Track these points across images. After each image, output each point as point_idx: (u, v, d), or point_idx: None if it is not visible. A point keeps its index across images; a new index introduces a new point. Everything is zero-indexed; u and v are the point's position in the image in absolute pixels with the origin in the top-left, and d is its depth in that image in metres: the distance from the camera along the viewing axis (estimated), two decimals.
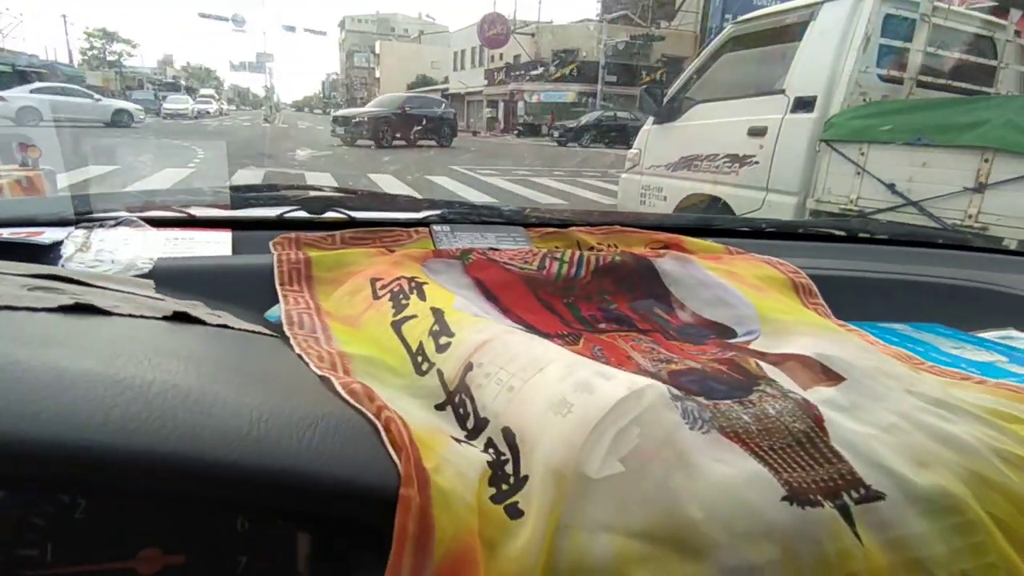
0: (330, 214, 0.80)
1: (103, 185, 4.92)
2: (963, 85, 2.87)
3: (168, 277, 0.57)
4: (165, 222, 0.73)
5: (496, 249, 0.69)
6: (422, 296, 0.53)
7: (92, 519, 0.28)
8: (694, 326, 0.62)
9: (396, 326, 0.50)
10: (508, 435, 0.36)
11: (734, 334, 0.59)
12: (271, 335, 0.49)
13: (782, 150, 2.84)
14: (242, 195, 0.85)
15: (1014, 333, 0.70)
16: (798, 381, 0.45)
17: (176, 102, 23.52)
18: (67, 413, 0.26)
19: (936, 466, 0.37)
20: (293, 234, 0.68)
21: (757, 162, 2.93)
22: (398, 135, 13.00)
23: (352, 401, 0.37)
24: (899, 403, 0.42)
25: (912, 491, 0.36)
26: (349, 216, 0.79)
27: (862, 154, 2.61)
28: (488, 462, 0.35)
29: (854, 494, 0.35)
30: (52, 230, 0.65)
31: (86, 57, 41.49)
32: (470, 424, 0.39)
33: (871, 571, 0.33)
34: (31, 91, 13.91)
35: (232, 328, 0.46)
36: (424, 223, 0.79)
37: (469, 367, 0.42)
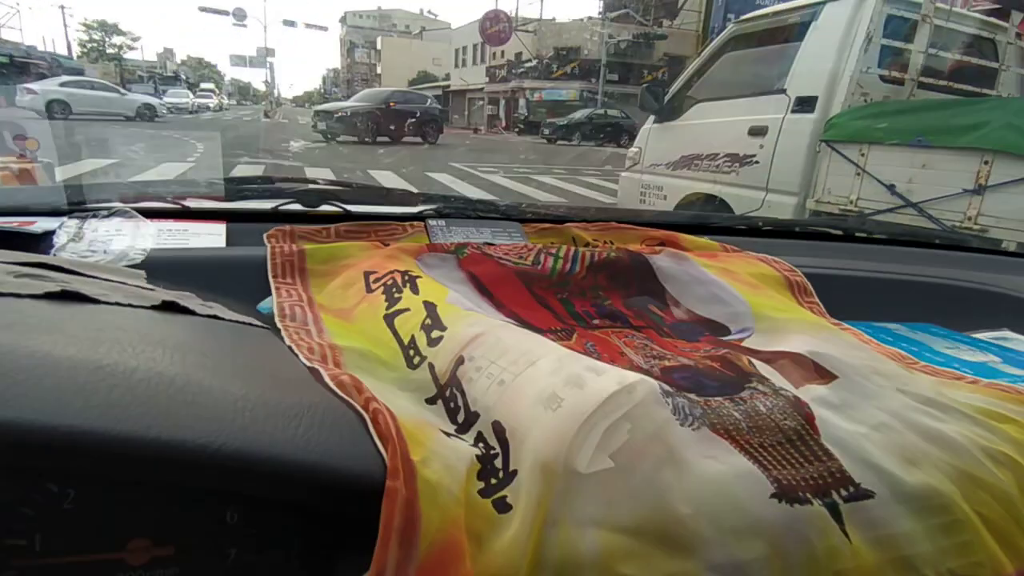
0: (325, 207, 0.80)
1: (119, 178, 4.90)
2: (964, 87, 2.86)
3: (161, 268, 0.56)
4: (159, 213, 0.73)
5: (491, 244, 0.69)
6: (415, 290, 0.53)
7: (81, 509, 0.28)
8: (688, 323, 0.61)
9: (389, 319, 0.50)
10: (498, 429, 0.36)
11: (728, 331, 0.59)
12: (262, 327, 0.49)
13: (782, 150, 2.83)
14: (237, 187, 0.85)
15: (1009, 334, 0.70)
16: (790, 379, 0.45)
17: (175, 96, 23.59)
18: (47, 397, 0.26)
19: (925, 465, 0.37)
20: (288, 227, 0.68)
21: (757, 162, 2.92)
22: (383, 132, 12.55)
23: (340, 392, 0.37)
24: (890, 402, 0.42)
25: (901, 489, 0.36)
26: (344, 209, 0.79)
27: (862, 155, 2.61)
28: (477, 456, 0.35)
29: (843, 492, 0.35)
30: (44, 220, 0.65)
31: (85, 49, 41.32)
32: (461, 418, 0.39)
33: (859, 569, 0.33)
34: (59, 84, 13.86)
35: (222, 319, 0.46)
36: (420, 217, 0.78)
37: (461, 361, 0.42)
